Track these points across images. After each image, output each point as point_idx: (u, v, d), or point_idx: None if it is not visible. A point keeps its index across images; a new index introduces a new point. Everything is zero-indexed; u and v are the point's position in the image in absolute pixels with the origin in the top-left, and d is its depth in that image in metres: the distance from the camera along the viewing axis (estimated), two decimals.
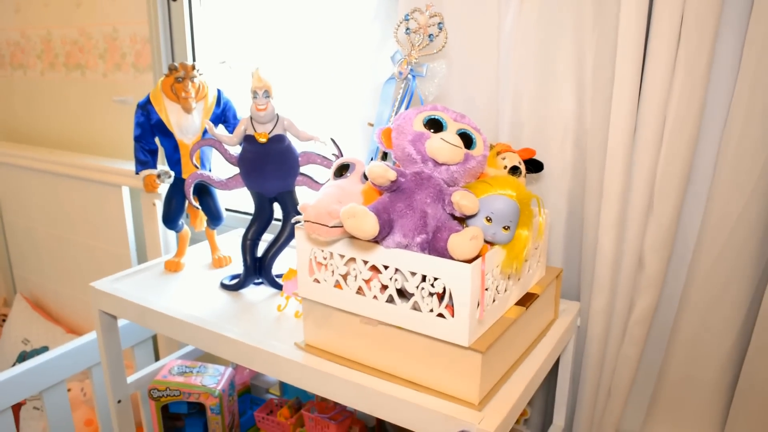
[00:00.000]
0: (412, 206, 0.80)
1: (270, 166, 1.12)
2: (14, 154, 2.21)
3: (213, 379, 1.38)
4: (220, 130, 1.21)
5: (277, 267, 1.20)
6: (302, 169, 1.16)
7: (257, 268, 1.19)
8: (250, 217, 1.19)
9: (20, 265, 2.42)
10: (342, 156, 1.11)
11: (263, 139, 1.09)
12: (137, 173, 1.26)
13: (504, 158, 1.00)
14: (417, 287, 0.80)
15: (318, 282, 0.90)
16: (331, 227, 0.81)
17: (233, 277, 1.24)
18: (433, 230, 0.80)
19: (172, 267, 1.32)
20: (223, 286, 1.22)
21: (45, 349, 2.14)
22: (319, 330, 0.94)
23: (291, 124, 1.11)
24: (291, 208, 1.16)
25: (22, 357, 2.16)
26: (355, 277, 0.86)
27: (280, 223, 1.19)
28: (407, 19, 0.96)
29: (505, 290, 0.88)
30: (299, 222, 0.86)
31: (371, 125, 1.02)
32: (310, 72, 1.51)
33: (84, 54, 2.07)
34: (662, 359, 1.15)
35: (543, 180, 1.15)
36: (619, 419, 1.18)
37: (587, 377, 1.17)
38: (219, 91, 1.28)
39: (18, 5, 2.25)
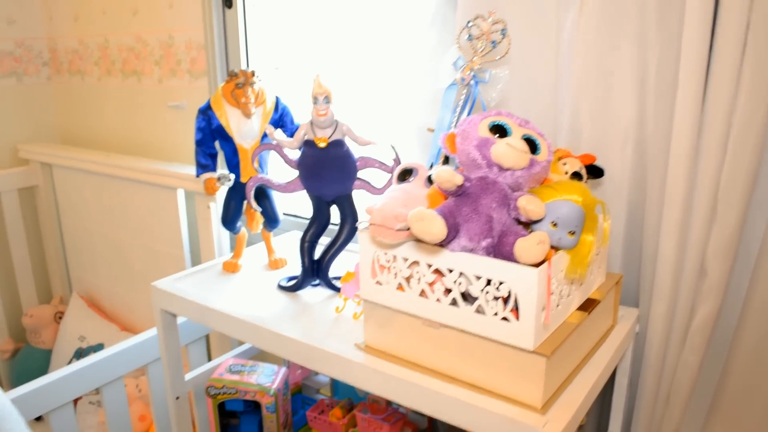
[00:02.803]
0: (477, 210, 0.81)
1: (329, 170, 1.14)
2: (72, 157, 2.28)
3: (268, 378, 1.41)
4: (278, 135, 1.24)
5: (334, 269, 1.22)
6: (360, 174, 1.17)
7: (315, 270, 1.21)
8: (304, 221, 1.21)
9: (76, 264, 2.49)
10: (400, 161, 1.12)
11: (323, 144, 1.11)
12: (198, 176, 1.29)
13: (565, 164, 1.00)
14: (482, 291, 0.81)
15: (380, 284, 0.91)
16: (397, 230, 0.82)
17: (290, 279, 1.26)
18: (499, 234, 0.81)
19: (230, 268, 1.34)
20: (281, 287, 1.24)
21: (100, 346, 2.20)
22: (379, 331, 0.96)
23: (349, 129, 1.13)
24: (348, 211, 1.18)
25: (79, 353, 2.22)
26: (419, 280, 0.87)
27: (334, 226, 1.21)
28: (469, 26, 0.97)
29: (568, 295, 0.88)
30: (364, 225, 0.88)
31: (431, 131, 1.03)
32: (363, 77, 1.53)
33: (140, 60, 2.13)
34: (723, 367, 1.13)
35: (601, 185, 1.15)
36: (677, 427, 1.16)
37: (646, 384, 1.16)
38: (277, 97, 1.30)
39: (77, 14, 2.32)
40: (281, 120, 1.30)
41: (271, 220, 1.34)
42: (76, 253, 2.47)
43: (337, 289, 1.19)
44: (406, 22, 1.37)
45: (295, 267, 1.34)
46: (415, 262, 0.86)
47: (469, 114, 0.97)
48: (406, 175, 0.94)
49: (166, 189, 1.93)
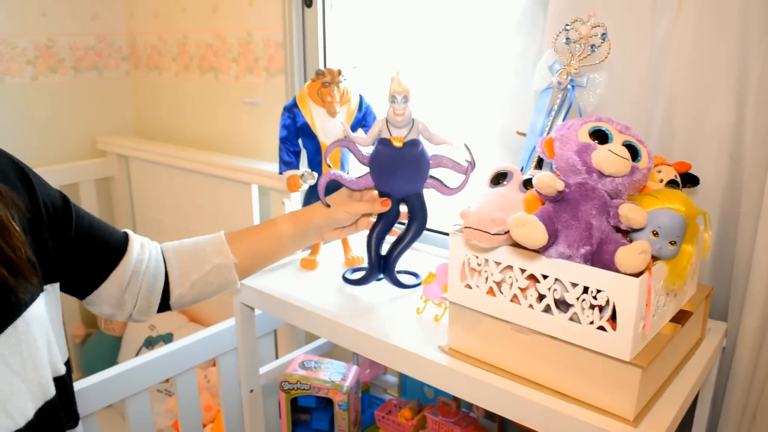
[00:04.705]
0: (577, 217, 0.80)
1: (403, 169, 1.12)
2: (147, 150, 2.35)
3: (339, 376, 1.42)
4: (360, 134, 1.24)
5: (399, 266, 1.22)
6: (431, 172, 1.15)
7: (381, 267, 1.21)
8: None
9: None
10: (474, 162, 1.11)
11: (399, 144, 1.10)
12: (281, 173, 1.31)
13: (660, 171, 0.98)
14: (577, 299, 0.80)
15: (470, 288, 0.91)
16: (493, 234, 0.82)
17: (354, 271, 1.27)
18: (598, 242, 0.80)
19: (308, 265, 1.36)
20: (346, 279, 1.24)
21: (170, 335, 2.26)
22: (466, 335, 0.95)
23: (425, 127, 1.11)
24: (418, 209, 1.17)
25: (149, 342, 2.29)
26: (511, 285, 0.86)
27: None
28: (567, 29, 0.95)
29: (664, 306, 0.86)
30: (457, 227, 0.88)
31: (522, 134, 1.03)
32: (445, 78, 1.53)
33: (218, 57, 2.17)
34: None
35: (693, 194, 1.12)
36: None
37: (732, 401, 1.12)
38: (361, 96, 1.31)
39: (157, 11, 2.39)
40: (364, 119, 1.31)
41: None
42: None
43: (401, 286, 1.20)
44: (490, 24, 1.37)
45: None
46: (508, 267, 0.86)
47: (564, 119, 0.96)
48: (500, 178, 0.93)
49: (241, 184, 1.97)
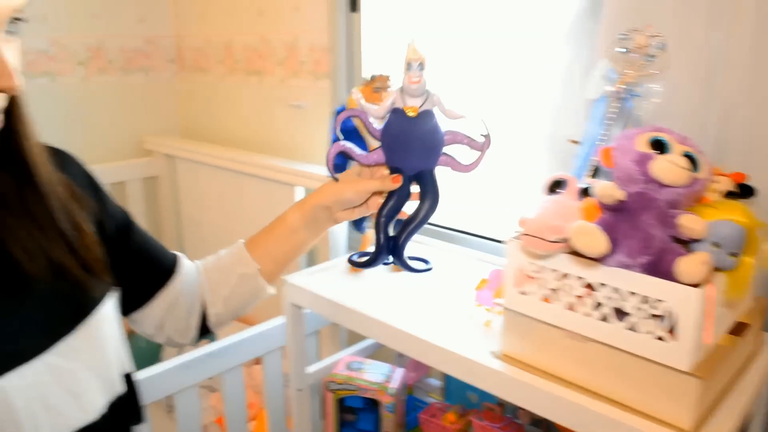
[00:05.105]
0: (636, 227, 0.80)
1: (416, 142, 1.08)
2: (193, 150, 2.39)
3: (384, 377, 1.44)
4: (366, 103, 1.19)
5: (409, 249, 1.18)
6: (445, 149, 1.12)
7: (390, 248, 1.17)
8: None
9: (192, 254, 2.56)
10: (491, 138, 1.08)
11: (412, 113, 1.06)
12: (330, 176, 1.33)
13: (717, 182, 0.98)
14: (636, 308, 0.80)
15: (525, 294, 0.92)
16: (551, 242, 0.82)
17: (362, 255, 1.27)
18: (657, 252, 0.80)
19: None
20: (351, 262, 1.23)
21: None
22: (519, 341, 0.96)
23: (440, 100, 1.08)
24: (430, 187, 1.12)
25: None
26: (567, 292, 0.87)
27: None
28: (624, 39, 0.96)
29: (722, 317, 0.86)
30: (515, 234, 0.89)
31: (576, 143, 1.03)
32: (489, 86, 1.54)
33: (263, 60, 2.21)
34: None
35: (748, 205, 1.11)
36: None
37: None
38: None
39: (203, 14, 2.43)
40: None
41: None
42: (193, 243, 2.59)
43: (412, 270, 1.17)
44: (540, 33, 1.37)
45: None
46: (564, 275, 0.86)
47: (621, 128, 0.96)
48: (556, 186, 0.94)
49: (285, 185, 1.99)
